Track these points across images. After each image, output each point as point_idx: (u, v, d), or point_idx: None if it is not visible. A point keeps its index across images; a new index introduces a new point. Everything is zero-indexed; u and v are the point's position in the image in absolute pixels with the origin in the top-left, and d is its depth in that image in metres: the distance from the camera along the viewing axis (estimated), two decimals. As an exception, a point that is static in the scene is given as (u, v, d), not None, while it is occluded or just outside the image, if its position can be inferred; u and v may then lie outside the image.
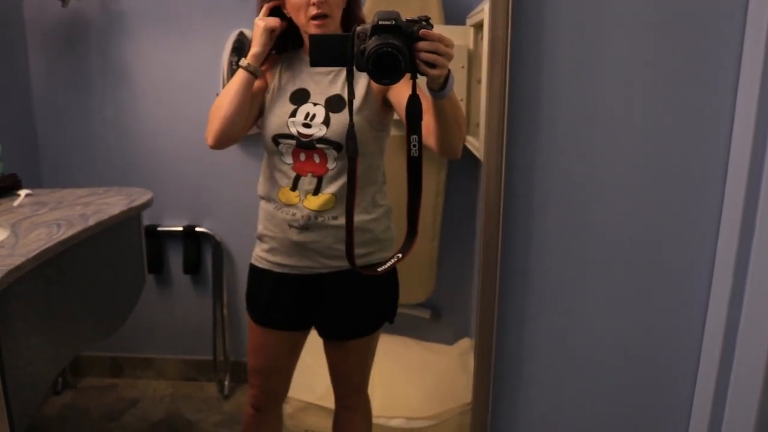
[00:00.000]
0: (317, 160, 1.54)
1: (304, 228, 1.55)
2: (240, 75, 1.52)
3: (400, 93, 1.44)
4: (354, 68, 1.20)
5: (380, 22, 1.16)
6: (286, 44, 1.63)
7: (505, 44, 1.05)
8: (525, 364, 1.23)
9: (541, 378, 1.24)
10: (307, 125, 1.52)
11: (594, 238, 1.16)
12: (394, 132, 1.67)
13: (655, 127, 1.10)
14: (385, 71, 1.15)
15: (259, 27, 1.52)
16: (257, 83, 1.56)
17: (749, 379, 1.04)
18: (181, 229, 2.70)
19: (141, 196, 1.93)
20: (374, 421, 1.93)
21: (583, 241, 1.16)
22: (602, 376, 1.23)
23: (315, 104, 1.54)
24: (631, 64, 1.08)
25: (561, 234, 1.16)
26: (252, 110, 1.59)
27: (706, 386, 1.14)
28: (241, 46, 2.43)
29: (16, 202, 1.84)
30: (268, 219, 1.62)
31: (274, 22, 1.53)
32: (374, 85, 1.52)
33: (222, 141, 1.57)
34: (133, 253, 1.97)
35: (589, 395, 1.24)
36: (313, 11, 1.47)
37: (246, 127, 1.60)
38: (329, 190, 1.54)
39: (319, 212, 1.54)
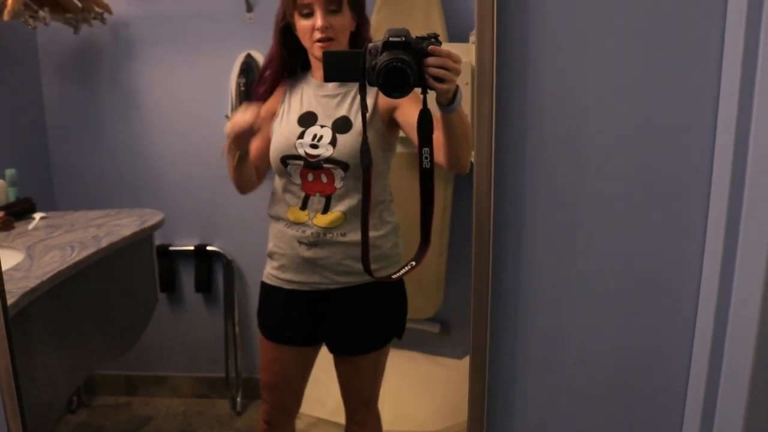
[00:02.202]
0: (324, 180, 1.57)
1: (313, 244, 1.58)
2: (232, 159, 1.59)
3: (407, 113, 1.48)
4: (366, 83, 1.25)
5: (391, 39, 1.21)
6: (294, 67, 1.66)
7: (491, 56, 1.08)
8: (518, 372, 1.24)
9: (535, 386, 1.24)
10: (314, 146, 1.55)
11: (585, 244, 1.17)
12: (401, 149, 1.69)
13: (642, 133, 1.11)
14: (394, 85, 1.19)
15: (230, 136, 1.49)
16: (266, 111, 1.61)
17: (738, 375, 1.06)
18: (192, 248, 2.72)
19: (152, 217, 1.97)
20: (384, 435, 1.95)
21: (574, 246, 1.17)
22: (595, 382, 1.23)
23: (322, 126, 1.57)
24: (618, 66, 1.10)
25: (551, 240, 1.17)
26: (263, 154, 1.64)
27: (698, 384, 1.15)
28: (248, 68, 2.47)
29: (30, 226, 1.88)
30: (277, 237, 1.65)
31: (245, 122, 1.46)
32: (380, 105, 1.56)
33: (247, 191, 1.69)
34: (145, 273, 2.00)
35: (582, 400, 1.24)
36: (318, 36, 1.51)
37: (263, 172, 1.69)
38: (338, 208, 1.57)
39: (328, 229, 1.57)
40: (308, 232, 1.58)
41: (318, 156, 1.55)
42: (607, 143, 1.13)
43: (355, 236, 1.56)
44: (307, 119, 1.59)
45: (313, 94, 1.61)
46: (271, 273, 1.69)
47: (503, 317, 1.21)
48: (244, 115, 1.47)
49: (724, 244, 1.07)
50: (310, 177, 1.58)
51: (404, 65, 1.18)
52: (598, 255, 1.18)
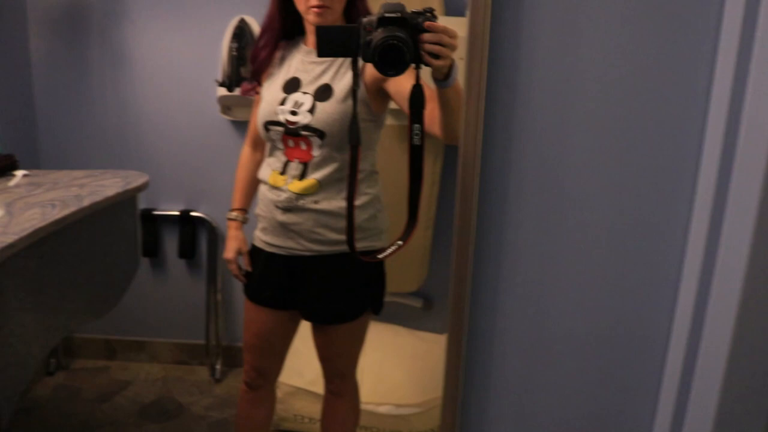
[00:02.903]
0: (303, 147, 1.57)
1: (287, 209, 1.59)
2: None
3: (400, 83, 1.46)
4: (359, 59, 1.23)
5: (386, 14, 1.20)
6: (288, 31, 1.65)
7: (483, 29, 1.05)
8: (496, 346, 1.23)
9: (512, 359, 1.24)
10: (294, 113, 1.55)
11: (569, 221, 1.16)
12: (392, 122, 1.68)
13: (630, 112, 1.10)
14: (390, 63, 1.18)
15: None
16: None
17: (714, 358, 1.06)
18: (177, 213, 2.71)
19: (137, 179, 1.94)
20: (363, 407, 1.95)
21: (558, 223, 1.16)
22: (574, 359, 1.23)
23: (304, 93, 1.57)
24: (609, 48, 1.08)
25: (536, 214, 1.16)
26: None
27: (676, 357, 1.16)
28: (241, 33, 2.43)
29: (12, 182, 1.85)
30: (261, 199, 1.68)
31: (233, 253, 1.80)
32: (366, 75, 1.54)
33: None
34: (127, 236, 1.98)
35: (560, 378, 1.24)
36: (314, 1, 1.49)
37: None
38: (314, 176, 1.57)
39: (300, 195, 1.57)
40: (283, 196, 1.59)
41: (296, 123, 1.55)
42: (596, 116, 1.11)
43: (328, 205, 1.57)
44: (291, 85, 1.59)
45: (301, 60, 1.61)
46: (256, 234, 1.72)
47: (483, 291, 1.20)
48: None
49: (708, 229, 1.07)
50: (291, 143, 1.58)
51: (400, 42, 1.16)
52: (582, 232, 1.17)
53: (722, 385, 1.06)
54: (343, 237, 1.56)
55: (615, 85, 1.10)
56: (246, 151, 1.85)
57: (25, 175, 1.93)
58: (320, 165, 1.56)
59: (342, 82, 1.54)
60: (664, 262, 1.16)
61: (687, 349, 1.13)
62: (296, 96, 1.57)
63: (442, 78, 1.29)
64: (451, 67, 1.28)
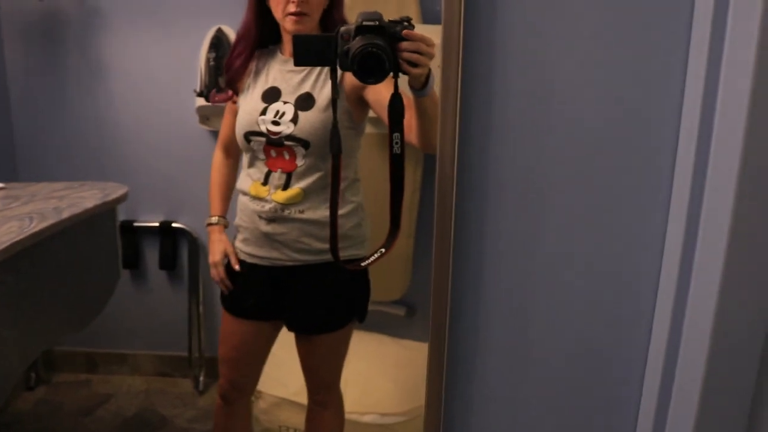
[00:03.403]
0: (287, 156, 1.56)
1: (271, 220, 1.58)
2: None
3: (378, 92, 1.46)
4: (338, 68, 1.24)
5: (364, 23, 1.20)
6: (264, 40, 1.64)
7: (459, 21, 1.05)
8: (478, 354, 1.23)
9: (494, 366, 1.23)
10: (276, 123, 1.54)
11: (549, 229, 1.16)
12: (371, 130, 1.68)
13: (608, 101, 1.10)
14: (370, 71, 1.19)
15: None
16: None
17: (696, 347, 1.07)
18: (157, 224, 2.69)
19: (116, 191, 1.93)
20: (347, 416, 1.95)
21: (537, 226, 1.15)
22: (556, 364, 1.23)
23: (285, 102, 1.55)
24: (584, 51, 1.08)
25: (515, 220, 1.15)
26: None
27: (655, 364, 1.16)
28: (218, 43, 2.43)
29: (-11, 196, 1.83)
30: (242, 210, 1.65)
31: (220, 255, 1.73)
32: (346, 83, 1.54)
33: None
34: (107, 248, 1.97)
35: (542, 385, 1.24)
36: (292, 8, 1.49)
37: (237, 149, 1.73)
38: (298, 185, 1.56)
39: (285, 205, 1.56)
40: (267, 207, 1.58)
41: (279, 133, 1.54)
42: (572, 120, 1.11)
43: (313, 214, 1.56)
44: (271, 95, 1.58)
45: (279, 69, 1.60)
46: (236, 246, 1.70)
47: (464, 299, 1.20)
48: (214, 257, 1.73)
49: (684, 232, 1.08)
50: (273, 153, 1.57)
51: (379, 50, 1.17)
52: (562, 236, 1.17)
53: (702, 384, 1.07)
54: (328, 246, 1.56)
55: (591, 88, 1.10)
56: (219, 156, 1.82)
57: (1, 188, 1.91)
58: (304, 174, 1.55)
59: (324, 91, 1.53)
60: (644, 263, 1.17)
61: (666, 357, 1.14)
62: (277, 105, 1.56)
63: (419, 87, 1.30)
64: (428, 76, 1.29)
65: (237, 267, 1.68)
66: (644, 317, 1.19)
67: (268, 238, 1.60)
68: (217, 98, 2.40)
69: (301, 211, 1.56)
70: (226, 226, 1.78)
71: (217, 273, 1.72)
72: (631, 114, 1.11)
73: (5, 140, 2.61)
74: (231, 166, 1.80)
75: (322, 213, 1.56)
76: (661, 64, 1.08)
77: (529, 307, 1.21)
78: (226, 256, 1.71)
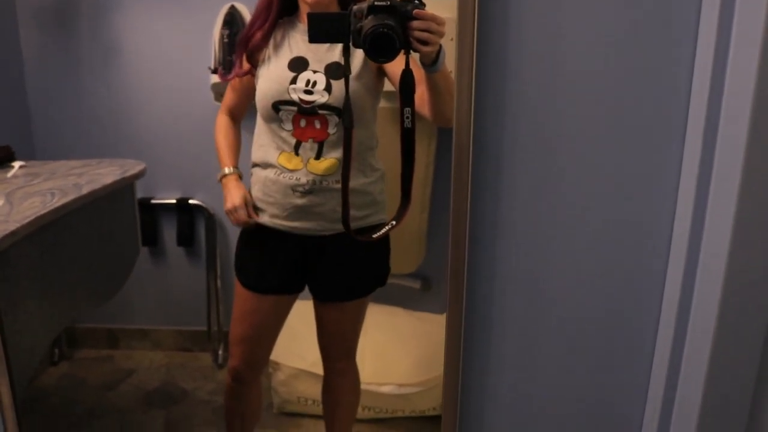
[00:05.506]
0: (318, 125, 1.55)
1: (308, 192, 1.57)
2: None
3: (394, 64, 1.47)
4: (351, 44, 1.27)
5: (376, 3, 1.24)
6: (283, 11, 1.63)
7: (473, 9, 1.06)
8: (494, 325, 1.24)
9: (510, 337, 1.25)
10: (308, 92, 1.54)
11: (564, 196, 1.17)
12: (384, 104, 1.69)
13: (620, 78, 1.11)
14: (381, 51, 1.23)
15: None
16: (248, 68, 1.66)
17: (703, 331, 1.10)
18: (174, 201, 2.72)
19: (134, 167, 1.95)
20: (365, 387, 1.98)
21: (552, 199, 1.16)
22: (570, 335, 1.24)
23: (315, 71, 1.55)
24: (598, 24, 1.09)
25: (530, 192, 1.17)
26: (242, 102, 1.77)
27: (666, 331, 1.18)
28: (232, 20, 2.44)
29: (10, 173, 1.86)
30: (266, 185, 1.62)
31: (241, 199, 1.66)
32: None
33: None
34: (126, 224, 2.00)
35: (558, 353, 1.26)
36: None
37: (241, 118, 1.79)
38: (332, 155, 1.56)
39: (324, 176, 1.56)
40: (304, 179, 1.56)
41: (313, 102, 1.53)
42: (586, 90, 1.12)
43: (351, 182, 1.53)
44: (298, 64, 1.57)
45: (302, 39, 1.58)
46: (260, 219, 1.66)
47: (480, 272, 1.22)
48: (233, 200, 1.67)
49: (695, 197, 1.09)
50: (303, 123, 1.56)
51: (390, 31, 1.20)
52: (577, 209, 1.18)
53: (707, 376, 1.10)
54: (361, 212, 1.60)
55: (607, 58, 1.11)
56: (224, 119, 1.79)
57: (22, 166, 1.94)
58: (337, 143, 1.54)
59: (355, 60, 1.54)
60: (653, 249, 1.18)
61: (674, 342, 1.16)
62: (306, 75, 1.55)
63: (430, 63, 1.33)
64: (438, 52, 1.32)
65: (256, 217, 1.65)
66: (656, 282, 1.20)
67: (302, 211, 1.59)
68: (229, 76, 2.40)
69: (338, 181, 1.54)
70: (240, 177, 1.73)
71: (242, 214, 1.65)
72: (645, 81, 1.11)
73: (22, 119, 2.64)
74: (238, 128, 1.80)
75: (358, 181, 1.57)
76: (673, 35, 1.09)
77: (544, 275, 1.22)
78: (246, 200, 1.67)
